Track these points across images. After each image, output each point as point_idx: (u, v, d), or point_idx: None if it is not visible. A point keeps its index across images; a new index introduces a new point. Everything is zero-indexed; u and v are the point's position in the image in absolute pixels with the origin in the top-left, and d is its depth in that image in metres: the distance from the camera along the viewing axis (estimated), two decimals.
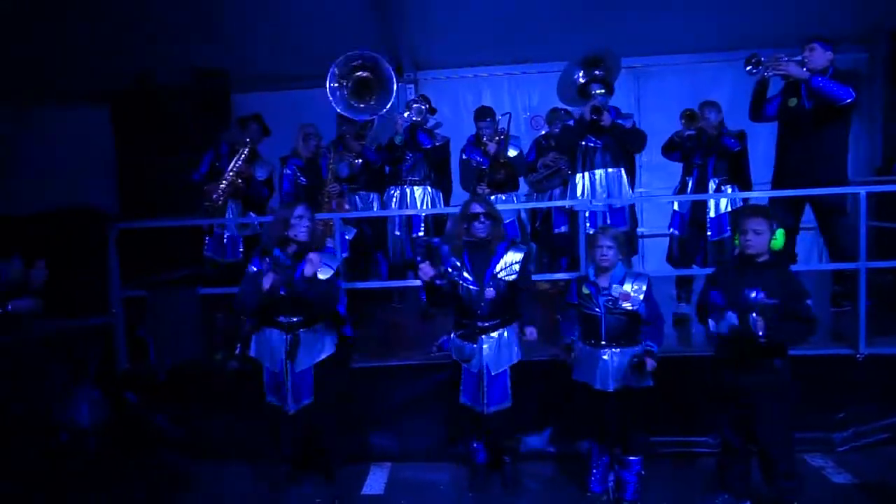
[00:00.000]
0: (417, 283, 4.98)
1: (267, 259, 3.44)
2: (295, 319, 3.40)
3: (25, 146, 6.89)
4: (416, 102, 4.94)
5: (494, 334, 3.42)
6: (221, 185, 4.76)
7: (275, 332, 3.46)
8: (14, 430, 3.34)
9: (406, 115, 5.04)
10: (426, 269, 3.32)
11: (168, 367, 4.17)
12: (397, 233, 5.16)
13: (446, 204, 5.38)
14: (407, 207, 5.16)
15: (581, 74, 4.65)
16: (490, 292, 3.33)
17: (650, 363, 3.17)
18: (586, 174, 4.63)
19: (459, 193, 5.49)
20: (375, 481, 3.89)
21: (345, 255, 4.62)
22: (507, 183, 5.17)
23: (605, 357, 3.27)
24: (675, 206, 4.88)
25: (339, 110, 4.94)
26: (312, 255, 3.36)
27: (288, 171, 5.05)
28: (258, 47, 6.42)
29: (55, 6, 5.60)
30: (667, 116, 6.38)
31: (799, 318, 2.97)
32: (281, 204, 5.04)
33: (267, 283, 3.29)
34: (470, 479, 3.74)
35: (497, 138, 5.04)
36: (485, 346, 3.40)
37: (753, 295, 2.90)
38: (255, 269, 3.45)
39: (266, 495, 3.70)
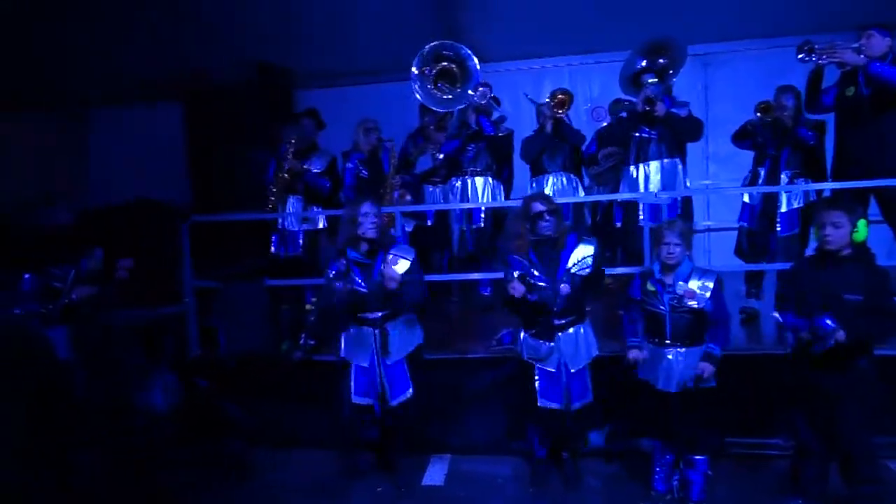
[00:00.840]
0: (478, 276, 5.02)
1: (342, 261, 3.47)
2: (380, 314, 3.42)
3: (105, 143, 7.32)
4: (482, 86, 4.90)
5: (571, 331, 3.38)
6: (273, 188, 4.88)
7: (363, 329, 3.49)
8: (96, 412, 3.55)
9: (471, 93, 4.89)
10: (518, 287, 3.25)
11: (236, 355, 4.33)
12: (459, 225, 5.13)
13: (507, 197, 5.33)
14: (468, 199, 5.12)
15: (643, 63, 4.50)
16: (565, 288, 3.26)
17: (707, 370, 3.08)
18: (641, 166, 4.51)
19: (520, 187, 5.46)
20: (435, 473, 3.93)
21: None
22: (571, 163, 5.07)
23: (670, 357, 3.18)
24: (746, 198, 4.67)
25: (421, 100, 4.92)
26: (388, 270, 3.35)
27: (350, 165, 5.13)
28: (320, 44, 6.53)
29: (132, 9, 5.86)
30: (736, 105, 6.13)
31: (885, 314, 2.80)
32: (345, 199, 5.16)
33: (338, 296, 3.35)
34: (530, 474, 3.72)
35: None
36: (562, 344, 3.37)
37: (829, 322, 2.76)
38: (332, 272, 3.49)
39: (330, 483, 3.79)
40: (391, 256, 3.43)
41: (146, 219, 4.89)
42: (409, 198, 5.24)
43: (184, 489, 3.50)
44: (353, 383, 3.55)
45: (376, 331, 3.41)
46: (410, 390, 3.55)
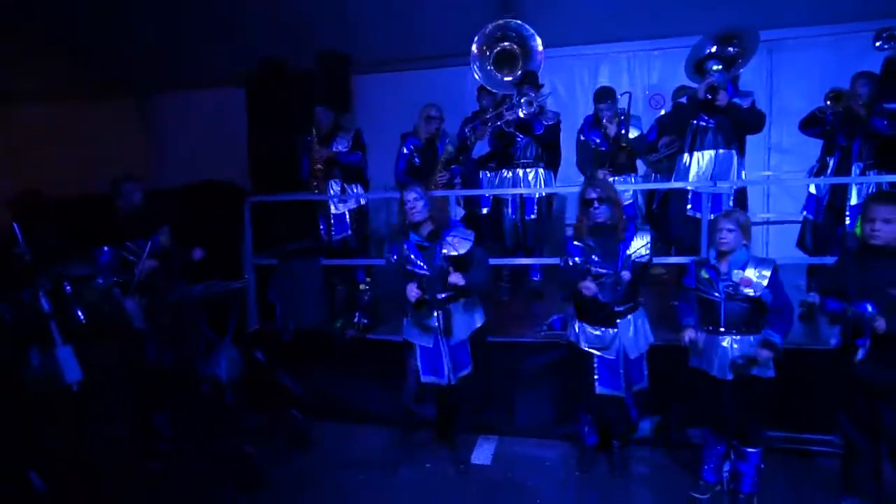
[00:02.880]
0: (529, 261, 5.05)
1: (404, 245, 3.56)
2: (443, 296, 3.48)
3: (170, 127, 7.64)
4: (524, 96, 4.89)
5: (630, 318, 3.42)
6: (313, 180, 5.05)
7: (425, 310, 3.54)
8: (166, 378, 3.79)
9: (521, 113, 4.88)
10: (590, 286, 3.27)
11: (292, 330, 4.50)
12: (512, 215, 5.13)
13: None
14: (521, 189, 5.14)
15: (712, 49, 4.35)
16: (626, 275, 3.29)
17: (765, 353, 3.02)
18: (695, 154, 4.41)
19: (567, 173, 5.43)
20: (483, 452, 4.02)
21: None
22: (626, 165, 5.01)
23: (724, 344, 3.15)
24: (812, 189, 4.52)
25: (481, 82, 4.91)
26: (452, 278, 3.42)
27: (405, 150, 5.19)
28: (378, 29, 6.60)
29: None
30: (802, 93, 5.93)
31: None
32: (396, 184, 5.25)
33: (412, 295, 3.42)
34: (578, 459, 3.77)
35: (617, 119, 4.89)
36: (622, 330, 3.40)
37: (869, 308, 2.72)
38: (394, 258, 3.57)
39: (384, 458, 3.91)
40: (452, 239, 3.51)
41: (211, 199, 5.10)
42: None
43: (248, 456, 3.67)
44: (419, 363, 3.62)
45: (439, 312, 3.47)
46: (470, 367, 3.64)
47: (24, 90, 7.47)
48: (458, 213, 5.20)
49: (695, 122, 4.38)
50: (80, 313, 3.00)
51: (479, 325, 3.70)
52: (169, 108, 7.66)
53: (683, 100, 4.47)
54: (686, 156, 4.41)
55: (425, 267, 3.52)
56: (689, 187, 4.41)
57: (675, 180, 4.54)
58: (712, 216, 3.85)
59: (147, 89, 7.62)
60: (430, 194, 3.64)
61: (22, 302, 2.89)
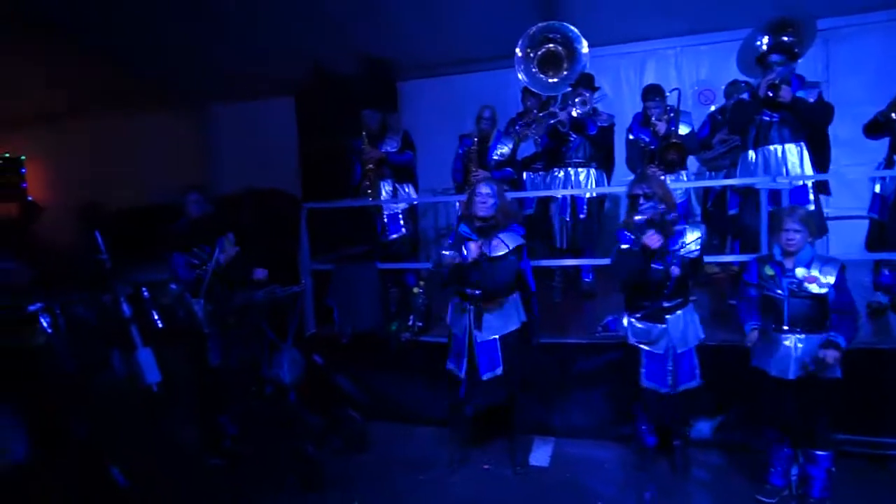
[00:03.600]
0: (579, 262, 5.03)
1: (459, 231, 3.65)
2: (478, 292, 3.54)
3: (225, 136, 7.91)
4: (577, 96, 4.87)
5: (679, 313, 3.40)
6: (365, 182, 5.11)
7: (463, 302, 3.64)
8: (232, 379, 3.93)
9: (574, 112, 4.88)
10: (655, 236, 3.26)
11: (349, 334, 4.60)
12: (561, 215, 5.11)
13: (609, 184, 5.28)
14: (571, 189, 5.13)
15: (765, 41, 4.23)
16: (675, 270, 3.27)
17: (830, 354, 2.95)
18: (760, 150, 4.28)
19: (622, 173, 5.39)
20: (540, 454, 4.02)
21: None
22: (677, 162, 4.93)
23: (787, 343, 3.09)
24: (877, 188, 4.34)
25: (525, 84, 4.92)
26: (472, 245, 3.51)
27: (460, 150, 5.28)
28: (422, 35, 6.67)
29: (249, 13, 6.25)
30: (861, 83, 5.75)
31: None
32: (454, 181, 5.31)
33: (472, 251, 3.48)
34: (637, 460, 3.73)
35: (666, 117, 4.83)
36: (671, 326, 3.38)
37: None
38: (449, 242, 3.67)
39: (440, 459, 3.95)
40: (496, 241, 3.56)
41: (268, 206, 5.27)
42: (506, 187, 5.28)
43: (309, 456, 3.77)
44: (449, 351, 3.74)
45: (472, 307, 3.54)
46: (500, 369, 3.64)
47: (94, 104, 7.86)
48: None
49: (758, 116, 4.25)
50: (156, 317, 3.16)
51: (513, 328, 3.70)
52: (225, 118, 7.93)
53: (746, 96, 4.36)
54: (751, 152, 4.30)
55: (468, 257, 3.57)
56: (747, 184, 4.31)
57: (739, 177, 4.44)
58: (774, 210, 3.78)
59: (204, 101, 7.90)
60: (505, 196, 3.70)
61: (104, 306, 3.06)
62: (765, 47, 4.22)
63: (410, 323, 4.55)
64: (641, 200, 3.33)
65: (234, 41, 6.42)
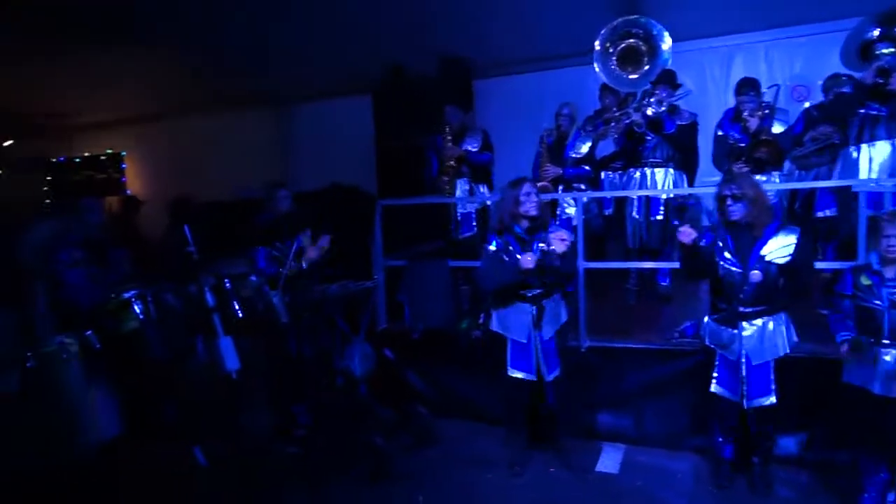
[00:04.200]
0: (654, 265, 4.86)
1: (508, 236, 3.60)
2: (538, 291, 3.52)
3: (303, 135, 8.18)
4: (651, 95, 4.69)
5: (758, 321, 3.21)
6: (444, 178, 5.13)
7: (521, 304, 3.61)
8: (306, 369, 4.07)
9: (649, 111, 4.74)
10: (686, 231, 3.16)
11: (420, 330, 4.65)
12: (636, 215, 4.96)
13: (690, 185, 5.07)
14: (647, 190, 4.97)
15: (876, 33, 3.91)
16: (756, 276, 3.10)
17: None
18: (864, 147, 3.97)
19: (706, 173, 5.15)
20: (609, 461, 3.92)
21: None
22: (769, 161, 4.63)
23: (888, 358, 2.88)
24: None
25: (604, 80, 4.80)
26: (555, 236, 3.45)
27: (540, 150, 5.24)
28: (498, 32, 6.62)
29: (329, 13, 6.43)
30: None
31: None
32: (509, 182, 5.26)
33: (529, 263, 3.43)
34: (713, 473, 3.57)
35: (760, 112, 4.55)
36: (745, 333, 3.21)
37: None
38: (493, 247, 3.63)
39: (506, 458, 3.93)
40: (553, 236, 3.51)
41: (344, 203, 5.41)
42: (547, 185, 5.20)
43: (379, 448, 3.84)
44: (509, 357, 3.69)
45: (533, 307, 3.49)
46: (559, 370, 3.64)
47: (187, 104, 8.37)
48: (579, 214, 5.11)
49: (863, 111, 3.96)
50: (237, 308, 3.32)
51: (562, 323, 3.71)
52: (305, 117, 8.20)
53: (847, 89, 4.06)
54: (853, 149, 4.00)
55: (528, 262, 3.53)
56: (840, 186, 4.02)
57: (839, 176, 4.15)
58: (873, 214, 3.51)
59: (284, 100, 8.20)
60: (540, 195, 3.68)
61: (190, 296, 3.25)
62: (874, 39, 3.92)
63: (481, 321, 4.54)
64: (730, 202, 3.17)
65: (316, 43, 6.61)
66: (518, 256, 3.48)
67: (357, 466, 3.83)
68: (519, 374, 3.67)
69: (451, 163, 5.14)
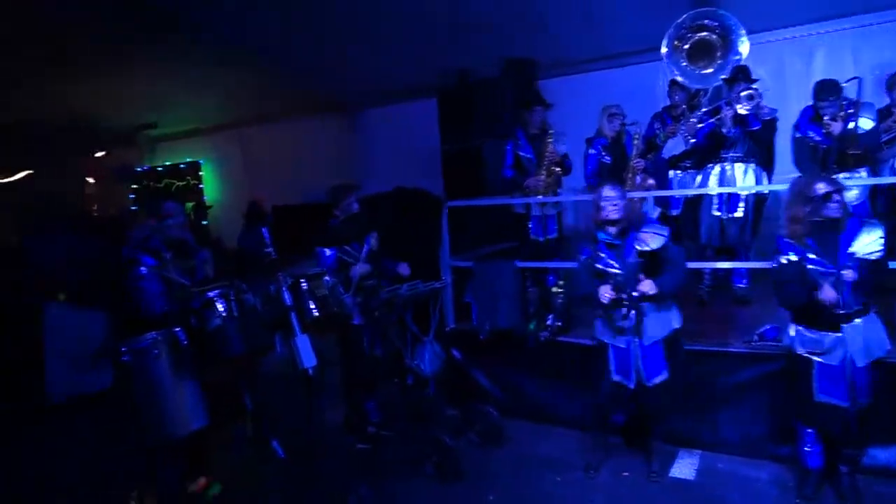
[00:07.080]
0: (732, 265, 4.68)
1: (599, 244, 3.56)
2: (636, 294, 3.40)
3: (371, 139, 8.36)
4: (745, 91, 4.50)
5: (858, 321, 3.05)
6: (542, 178, 5.05)
7: (617, 310, 3.48)
8: (378, 367, 4.16)
9: (741, 110, 4.55)
10: (831, 292, 2.97)
11: (488, 331, 4.66)
12: (716, 213, 4.78)
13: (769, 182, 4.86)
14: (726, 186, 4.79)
15: None
16: (851, 274, 2.95)
17: None
18: None
19: (782, 170, 4.93)
20: (685, 466, 3.82)
21: None
22: (859, 160, 4.32)
23: None
24: None
25: (674, 76, 4.68)
26: (642, 286, 3.36)
27: (593, 152, 5.16)
28: (562, 32, 6.54)
29: (395, 21, 6.54)
30: None
31: None
32: (588, 185, 5.21)
33: (605, 297, 3.40)
34: (798, 483, 3.40)
35: (842, 114, 4.26)
36: (848, 335, 3.05)
37: None
38: (584, 256, 3.61)
39: (576, 461, 3.90)
40: (644, 234, 3.44)
41: (412, 205, 5.50)
42: (651, 181, 5.07)
43: (447, 446, 3.88)
44: (611, 363, 3.61)
45: (633, 311, 3.39)
46: (666, 373, 3.51)
47: (262, 113, 8.74)
48: (655, 212, 5.02)
49: None
50: (313, 306, 3.43)
51: (675, 326, 3.56)
52: (373, 121, 8.39)
53: None
54: None
55: (616, 265, 3.47)
56: None
57: None
58: None
59: (357, 107, 8.42)
60: (627, 194, 3.59)
61: (269, 295, 3.39)
62: None
63: (549, 322, 4.52)
64: (835, 197, 3.01)
65: (383, 48, 6.75)
66: (611, 262, 3.46)
67: (426, 464, 3.87)
68: (616, 379, 3.61)
69: (557, 168, 5.12)
